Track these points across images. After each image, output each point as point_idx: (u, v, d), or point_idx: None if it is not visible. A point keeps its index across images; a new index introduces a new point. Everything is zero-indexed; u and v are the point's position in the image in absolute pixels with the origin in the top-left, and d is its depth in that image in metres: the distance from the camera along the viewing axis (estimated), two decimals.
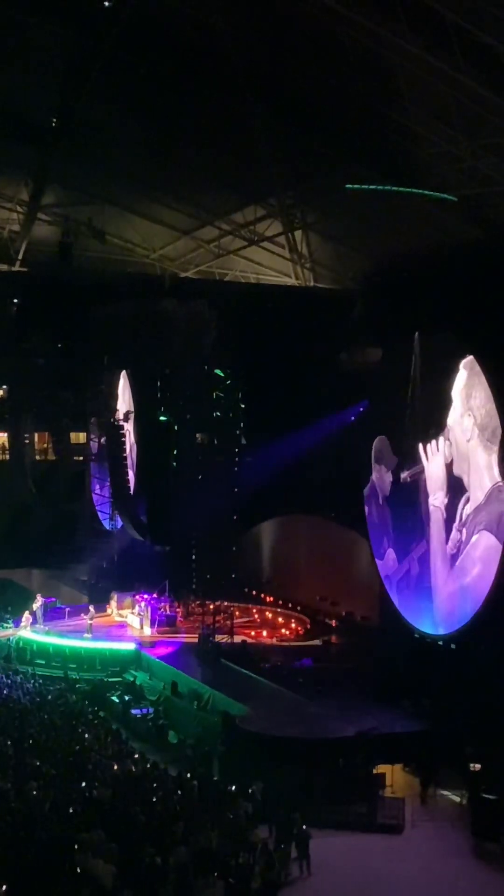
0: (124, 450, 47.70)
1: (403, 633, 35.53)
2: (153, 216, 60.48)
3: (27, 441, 51.59)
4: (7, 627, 46.14)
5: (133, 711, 37.95)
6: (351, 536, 44.00)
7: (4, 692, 38.70)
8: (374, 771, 29.77)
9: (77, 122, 56.12)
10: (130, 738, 34.99)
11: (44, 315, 56.62)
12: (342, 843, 26.28)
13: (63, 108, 55.84)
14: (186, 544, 46.07)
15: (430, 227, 47.47)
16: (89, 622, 44.52)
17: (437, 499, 34.59)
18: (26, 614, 45.58)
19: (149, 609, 44.96)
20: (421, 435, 35.08)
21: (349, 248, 57.54)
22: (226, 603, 43.23)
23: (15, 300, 59.84)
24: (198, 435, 45.23)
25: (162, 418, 44.80)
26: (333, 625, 44.25)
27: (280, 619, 46.29)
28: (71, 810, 25.71)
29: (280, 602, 47.29)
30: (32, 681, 40.61)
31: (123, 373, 52.05)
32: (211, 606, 42.49)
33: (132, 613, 46.05)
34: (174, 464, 44.15)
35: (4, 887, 20.81)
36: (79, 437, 52.45)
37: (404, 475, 36.00)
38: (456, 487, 33.64)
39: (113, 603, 47.73)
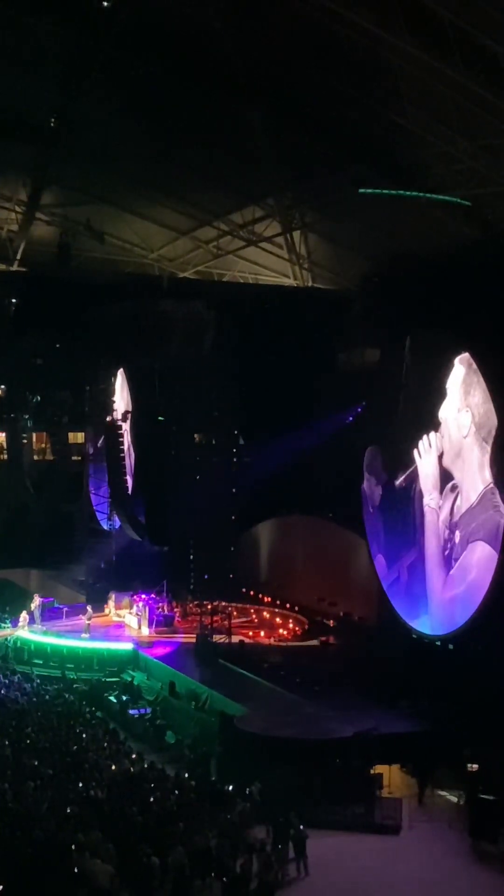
0: (122, 450, 47.69)
1: (401, 633, 35.53)
2: (152, 216, 60.46)
3: (25, 441, 51.60)
4: (5, 627, 46.12)
5: (131, 711, 37.96)
6: (349, 537, 44.02)
7: (2, 692, 38.69)
8: (372, 771, 29.75)
9: (76, 122, 56.16)
10: (128, 738, 34.96)
11: (42, 315, 56.59)
12: (339, 844, 26.28)
13: (62, 108, 55.89)
14: (184, 544, 46.07)
15: (428, 227, 47.50)
16: (87, 622, 44.53)
17: (432, 499, 34.58)
18: (24, 614, 45.58)
19: (147, 609, 44.96)
20: (413, 433, 35.03)
21: (347, 249, 57.54)
22: (223, 603, 43.22)
23: (13, 300, 59.83)
24: (196, 435, 45.23)
25: (160, 418, 44.80)
26: (331, 625, 44.24)
27: (278, 620, 46.29)
28: (68, 811, 25.73)
29: (278, 602, 47.29)
30: (30, 681, 40.58)
31: (121, 373, 52.06)
32: (209, 606, 42.48)
33: (130, 613, 46.05)
34: (172, 464, 44.13)
35: (2, 887, 20.81)
36: (77, 437, 52.47)
37: (399, 481, 35.95)
38: (446, 482, 33.64)
39: (111, 603, 47.73)
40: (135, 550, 50.62)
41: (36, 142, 57.55)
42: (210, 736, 33.61)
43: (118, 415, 49.60)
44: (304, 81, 50.82)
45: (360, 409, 41.45)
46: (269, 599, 47.86)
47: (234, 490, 42.85)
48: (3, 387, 54.52)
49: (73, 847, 23.28)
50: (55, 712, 35.88)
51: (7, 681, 40.53)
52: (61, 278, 58.48)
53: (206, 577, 42.93)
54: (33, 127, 57.01)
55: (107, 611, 47.54)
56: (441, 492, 33.99)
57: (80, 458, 51.44)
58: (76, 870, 22.50)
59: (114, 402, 49.86)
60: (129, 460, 49.27)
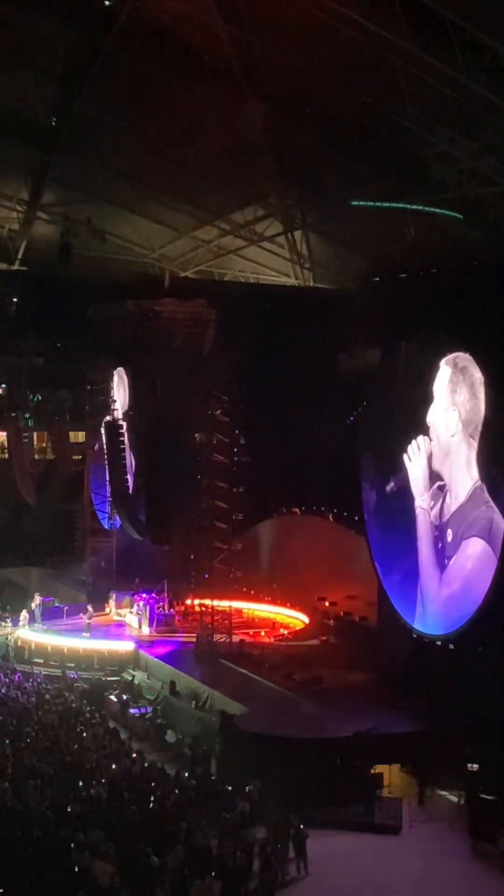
0: (123, 449, 47.70)
1: (402, 633, 35.52)
2: (152, 215, 60.46)
3: (26, 440, 51.63)
4: (5, 626, 46.13)
5: (131, 711, 37.97)
6: (349, 536, 44.01)
7: (2, 691, 38.71)
8: (372, 771, 29.76)
9: (76, 121, 56.19)
10: (129, 737, 34.97)
11: (43, 314, 56.64)
12: (339, 844, 26.30)
13: (63, 106, 55.91)
14: (185, 544, 46.05)
15: (429, 228, 47.49)
16: (88, 621, 44.54)
17: (423, 500, 34.62)
18: (24, 613, 45.59)
19: (147, 608, 44.97)
20: (403, 438, 35.13)
21: (349, 249, 57.55)
22: (224, 602, 43.20)
23: (14, 299, 59.86)
24: (196, 435, 45.19)
25: (161, 418, 44.78)
26: (332, 624, 44.24)
27: (278, 619, 46.30)
28: (69, 809, 25.74)
29: (278, 602, 47.30)
30: (30, 680, 40.60)
31: (122, 372, 52.05)
32: (209, 606, 42.49)
33: (131, 613, 46.06)
34: (173, 463, 44.13)
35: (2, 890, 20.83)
36: (78, 437, 52.45)
37: (390, 486, 35.98)
38: (435, 481, 33.74)
39: (111, 602, 47.74)
40: (135, 550, 50.66)
41: (37, 141, 57.62)
42: (210, 735, 33.64)
43: (119, 414, 49.60)
44: (305, 80, 50.86)
45: (358, 411, 41.34)
46: (270, 599, 47.86)
47: (234, 490, 42.78)
48: (3, 386, 54.52)
49: (73, 846, 23.31)
50: (56, 711, 35.88)
51: (7, 680, 40.55)
52: (62, 277, 58.51)
53: (206, 576, 42.91)
54: (34, 126, 57.10)
55: (107, 610, 47.55)
56: (431, 493, 34.06)
57: (80, 457, 51.41)
58: (76, 869, 22.52)
59: (114, 401, 49.86)
60: (130, 459, 49.28)
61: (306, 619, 45.24)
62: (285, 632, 44.87)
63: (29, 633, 44.36)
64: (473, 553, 32.19)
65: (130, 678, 40.88)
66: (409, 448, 34.86)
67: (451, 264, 33.21)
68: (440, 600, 33.77)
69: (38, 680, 40.64)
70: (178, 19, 50.07)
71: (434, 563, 34.05)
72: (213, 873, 23.47)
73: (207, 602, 42.54)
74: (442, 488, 33.47)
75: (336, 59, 48.28)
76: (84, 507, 50.97)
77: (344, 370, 53.25)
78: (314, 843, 25.41)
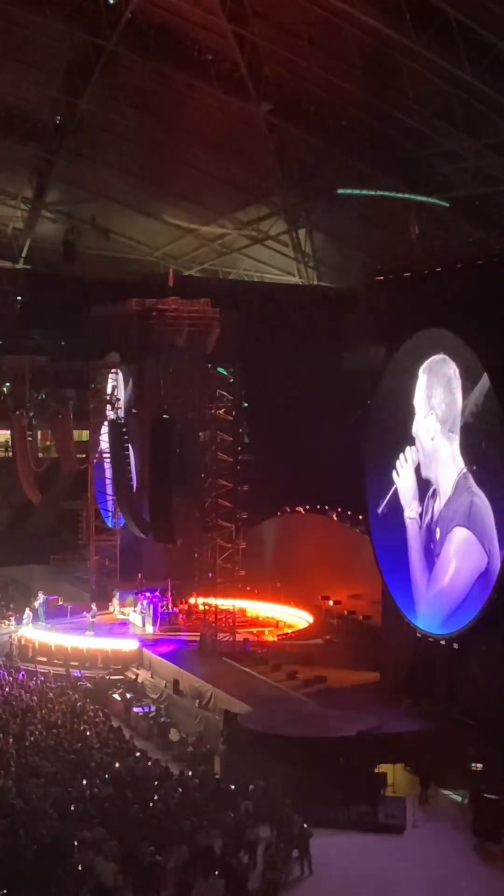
0: (127, 448, 47.67)
1: (405, 632, 35.48)
2: (157, 214, 60.52)
3: (30, 439, 51.61)
4: (9, 625, 46.13)
5: (135, 709, 37.97)
6: (353, 535, 43.98)
7: (6, 690, 38.72)
8: (376, 770, 29.73)
9: (81, 119, 56.24)
10: (132, 736, 34.96)
11: (47, 312, 56.68)
12: (343, 843, 26.26)
13: (67, 105, 55.97)
14: (189, 542, 46.02)
15: (433, 226, 47.50)
16: (91, 620, 44.50)
17: (411, 510, 34.61)
18: (28, 612, 45.59)
19: (151, 607, 44.94)
20: (391, 455, 35.24)
21: (353, 247, 57.56)
22: (228, 601, 43.16)
23: (18, 297, 59.88)
24: (200, 433, 45.14)
25: (164, 416, 44.73)
26: (335, 623, 44.21)
27: (282, 618, 46.25)
28: (72, 808, 25.74)
29: (282, 600, 47.24)
30: (34, 678, 40.61)
31: (126, 370, 52.02)
32: (213, 605, 42.45)
33: (134, 611, 46.03)
34: (177, 462, 44.09)
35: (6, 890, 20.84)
36: (81, 435, 52.42)
37: (381, 509, 35.98)
38: (426, 490, 33.89)
39: (115, 601, 47.71)
40: (139, 548, 50.63)
41: (41, 139, 57.69)
42: (214, 734, 33.63)
43: (122, 412, 49.57)
44: (310, 79, 50.89)
45: (361, 415, 41.26)
46: (274, 597, 47.80)
47: (238, 488, 42.72)
48: (7, 384, 54.52)
49: (76, 845, 23.31)
50: (59, 710, 35.89)
51: (11, 678, 40.56)
52: (66, 275, 58.54)
53: (210, 574, 42.88)
54: (39, 124, 57.15)
55: (111, 608, 47.52)
56: (420, 500, 34.11)
57: (84, 455, 51.38)
58: (80, 867, 22.53)
59: (118, 399, 49.82)
60: (134, 458, 49.24)
61: (310, 618, 45.19)
62: (289, 630, 44.83)
63: (33, 632, 44.35)
64: (457, 543, 32.32)
65: (134, 677, 40.88)
66: (398, 462, 35.02)
67: (455, 263, 33.10)
68: (430, 598, 33.74)
69: (42, 678, 40.63)
70: (183, 18, 50.14)
71: (423, 566, 34.12)
72: (216, 872, 23.43)
73: (211, 601, 42.51)
74: (433, 494, 33.56)
75: (341, 58, 48.35)
76: (88, 506, 50.91)
77: (348, 368, 53.25)
78: (318, 843, 25.38)
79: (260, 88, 51.51)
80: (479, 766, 28.50)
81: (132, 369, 51.59)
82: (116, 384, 51.32)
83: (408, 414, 34.53)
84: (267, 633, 44.55)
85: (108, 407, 49.26)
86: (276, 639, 43.69)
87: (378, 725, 31.19)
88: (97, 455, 51.20)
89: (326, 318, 52.97)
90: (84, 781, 27.97)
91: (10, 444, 53.89)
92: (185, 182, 58.24)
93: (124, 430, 47.88)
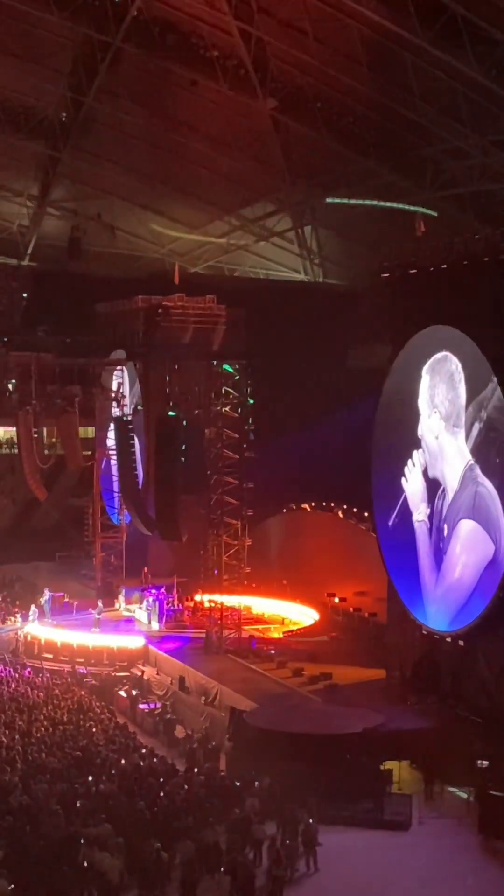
0: (133, 445, 47.67)
1: (411, 629, 35.49)
2: (162, 211, 60.47)
3: (36, 436, 51.61)
4: (15, 622, 46.17)
5: (140, 706, 37.99)
6: (359, 532, 44.00)
7: (13, 686, 38.76)
8: (381, 767, 29.72)
9: (86, 116, 56.22)
10: (138, 732, 34.99)
11: (53, 309, 56.68)
12: (349, 840, 26.25)
13: (72, 102, 55.96)
14: (194, 539, 46.04)
15: (440, 223, 47.44)
16: (97, 616, 44.55)
17: (420, 513, 34.59)
18: (34, 608, 45.62)
19: (157, 604, 44.96)
20: (398, 461, 35.22)
21: (359, 244, 57.51)
22: (234, 598, 43.19)
23: (24, 294, 59.90)
24: (206, 430, 45.17)
25: (171, 413, 44.74)
26: (341, 620, 44.22)
27: (288, 615, 46.26)
28: (78, 805, 25.75)
29: (288, 597, 47.24)
30: (40, 675, 40.65)
31: (132, 367, 52.00)
32: (219, 602, 42.47)
33: (140, 608, 46.06)
34: (182, 459, 44.09)
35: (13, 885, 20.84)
36: (87, 432, 52.42)
37: (392, 520, 35.93)
38: (434, 491, 33.89)
39: (121, 598, 47.75)
40: (145, 545, 50.64)
41: (47, 136, 57.68)
42: (219, 731, 33.64)
43: (128, 410, 49.57)
44: (316, 76, 50.83)
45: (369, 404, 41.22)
46: (279, 595, 47.81)
47: (244, 485, 42.74)
48: (13, 381, 54.56)
49: (82, 841, 23.32)
50: (65, 707, 35.92)
51: (17, 675, 40.60)
52: (72, 273, 58.53)
53: (215, 571, 42.90)
54: (44, 121, 57.14)
55: (117, 605, 47.56)
56: (429, 502, 34.07)
57: (90, 452, 51.37)
58: (85, 864, 22.55)
59: (124, 396, 49.83)
60: (140, 455, 49.24)
61: (316, 616, 45.19)
62: (295, 628, 44.84)
63: (38, 629, 44.39)
64: (463, 535, 32.38)
65: (140, 674, 40.90)
66: (406, 467, 34.99)
67: (462, 260, 33.05)
68: (439, 596, 33.72)
69: (48, 675, 40.66)
70: (188, 15, 50.11)
71: (432, 566, 34.10)
72: (222, 869, 23.47)
73: (217, 598, 42.53)
74: (441, 493, 33.54)
75: (346, 54, 48.30)
76: (93, 503, 50.95)
77: (354, 365, 53.23)
78: (323, 839, 25.38)
79: (265, 85, 51.45)
80: (485, 762, 28.48)
81: (138, 366, 51.59)
82: (122, 381, 51.34)
83: (413, 416, 34.59)
84: (272, 630, 44.57)
85: (114, 404, 49.28)
86: (281, 636, 43.70)
87: (384, 722, 31.21)
88: (103, 452, 51.21)
89: (332, 315, 52.90)
90: (90, 778, 28.00)
91: (15, 440, 53.90)
92: (191, 179, 58.22)
93: (130, 427, 47.89)
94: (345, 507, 46.90)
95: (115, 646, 42.48)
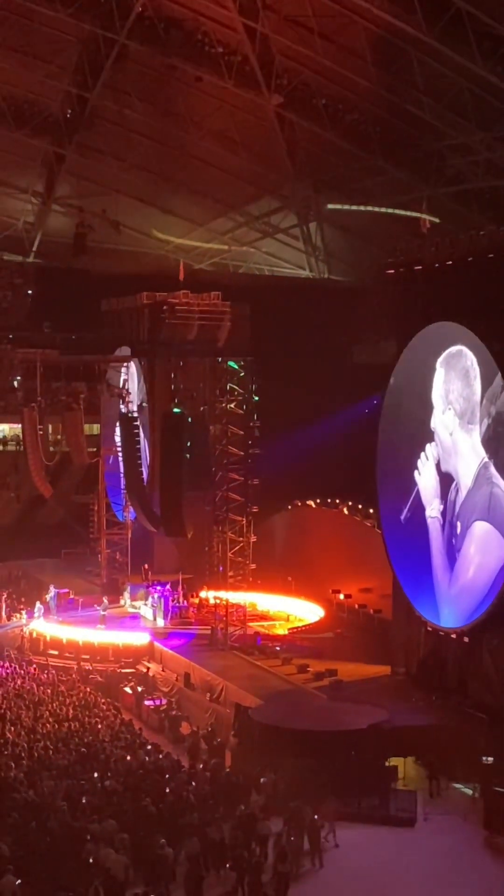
0: (138, 441, 47.69)
1: (416, 625, 35.49)
2: (168, 207, 60.46)
3: (41, 432, 51.65)
4: (21, 618, 46.21)
5: (146, 703, 38.02)
6: (364, 529, 43.98)
7: (18, 683, 38.81)
8: (387, 764, 29.75)
9: (91, 113, 56.23)
10: (143, 729, 35.01)
11: (58, 306, 56.68)
12: (354, 836, 26.26)
13: (77, 99, 55.97)
14: (199, 536, 46.09)
15: (444, 219, 47.37)
16: (102, 613, 44.58)
17: (433, 509, 34.53)
18: (39, 605, 45.66)
19: (162, 601, 44.97)
20: (411, 454, 35.15)
21: (364, 240, 57.45)
22: (239, 594, 43.21)
23: (29, 291, 59.92)
24: (211, 427, 45.19)
25: (175, 410, 44.75)
26: (346, 617, 44.22)
27: (293, 612, 46.26)
28: (84, 801, 25.80)
29: (293, 594, 47.26)
30: (46, 672, 40.70)
31: (136, 364, 52.01)
32: (224, 598, 42.49)
33: (145, 605, 46.08)
34: (188, 455, 44.12)
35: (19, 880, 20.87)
36: (92, 429, 52.45)
37: (405, 514, 35.87)
38: (447, 486, 33.80)
39: (126, 594, 47.78)
40: (150, 542, 50.67)
41: (52, 133, 57.68)
42: (225, 727, 33.66)
43: (133, 406, 49.57)
44: (321, 72, 50.79)
45: (375, 401, 41.19)
46: (285, 591, 47.84)
47: (249, 482, 42.76)
48: (18, 378, 54.62)
49: (87, 837, 23.37)
50: (71, 703, 35.97)
51: (23, 671, 40.65)
52: (77, 269, 58.53)
53: (220, 568, 42.92)
54: (49, 118, 57.14)
55: (122, 602, 47.59)
56: (442, 498, 34.00)
57: (95, 449, 51.39)
58: (91, 860, 22.59)
59: (129, 393, 49.83)
60: (145, 452, 49.25)
61: (321, 612, 45.19)
62: (300, 624, 44.84)
63: (44, 625, 44.44)
64: (477, 538, 32.27)
65: (145, 670, 40.93)
66: (419, 461, 34.90)
67: (467, 256, 33.03)
68: (452, 597, 33.66)
69: (54, 672, 40.71)
70: (193, 11, 50.10)
71: (445, 565, 34.03)
72: (227, 865, 23.51)
73: (222, 594, 42.55)
74: (455, 488, 33.45)
75: (351, 50, 48.27)
76: (99, 500, 50.98)
77: (359, 362, 53.19)
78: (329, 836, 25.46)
79: (270, 81, 51.43)
80: (490, 759, 28.50)
81: (143, 363, 51.60)
82: (127, 378, 51.34)
83: (425, 409, 34.40)
84: (278, 626, 44.59)
85: (119, 401, 49.29)
86: (286, 632, 43.71)
87: (389, 719, 31.20)
88: (108, 449, 51.24)
89: (337, 312, 52.84)
90: (95, 774, 28.05)
91: (21, 437, 53.93)
92: (196, 175, 58.20)
93: (135, 423, 47.90)
94: (350, 503, 46.89)
95: (120, 642, 42.52)
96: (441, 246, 34.65)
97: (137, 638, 42.81)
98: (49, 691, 37.63)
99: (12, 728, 32.59)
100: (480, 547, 32.21)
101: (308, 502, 50.22)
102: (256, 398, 44.41)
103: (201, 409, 46.38)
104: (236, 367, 44.07)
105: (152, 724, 36.44)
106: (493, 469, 31.60)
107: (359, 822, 27.32)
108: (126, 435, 48.00)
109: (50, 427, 54.08)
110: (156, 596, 45.55)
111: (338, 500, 48.11)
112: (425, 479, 34.83)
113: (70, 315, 55.67)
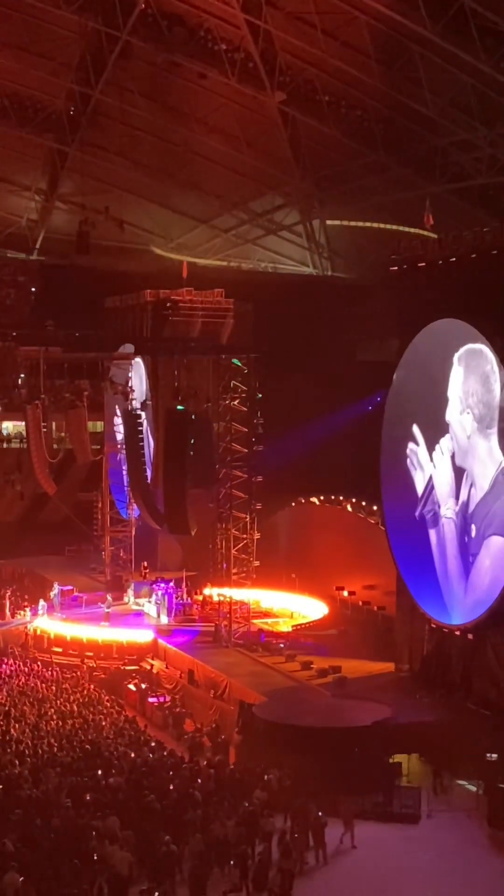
0: (141, 439, 47.69)
1: (420, 622, 35.48)
2: (171, 204, 60.42)
3: (45, 430, 51.66)
4: (25, 616, 46.24)
5: (150, 699, 38.05)
6: (368, 526, 43.96)
7: (23, 680, 38.85)
8: (391, 760, 29.73)
9: (94, 110, 56.22)
10: (147, 726, 35.04)
11: (61, 303, 56.65)
12: (358, 832, 26.23)
13: (80, 96, 55.95)
14: (203, 533, 46.10)
15: (448, 216, 47.31)
16: (106, 610, 44.61)
17: (448, 508, 34.33)
18: (43, 602, 45.70)
19: (166, 598, 44.98)
20: (416, 447, 35.08)
21: (367, 238, 57.41)
22: (242, 591, 43.22)
23: (33, 288, 59.91)
24: (215, 424, 45.20)
25: (179, 407, 44.76)
26: (350, 614, 44.21)
27: (297, 609, 46.26)
28: (88, 798, 25.82)
29: (297, 591, 47.27)
30: (50, 669, 40.73)
31: (140, 361, 52.01)
32: (228, 595, 42.50)
33: (149, 602, 46.10)
34: (191, 453, 44.13)
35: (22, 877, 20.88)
36: (96, 426, 52.46)
37: (418, 511, 35.76)
38: (460, 483, 33.66)
39: (130, 591, 47.80)
40: (154, 539, 50.67)
41: (55, 130, 57.66)
42: (229, 724, 33.67)
43: (137, 404, 49.57)
44: (324, 69, 50.75)
45: (378, 398, 41.17)
46: (288, 588, 47.84)
47: (253, 479, 42.77)
48: (22, 375, 54.64)
49: (92, 834, 23.38)
50: (75, 700, 35.99)
51: (27, 669, 40.68)
52: (80, 267, 58.51)
53: (224, 565, 42.94)
54: (52, 115, 57.13)
55: (126, 599, 47.61)
56: (456, 495, 33.86)
57: (99, 446, 51.42)
58: (95, 856, 22.60)
59: (132, 390, 49.83)
60: (149, 449, 49.26)
61: (325, 609, 45.19)
62: (304, 621, 44.83)
63: (48, 623, 44.47)
64: (494, 552, 31.99)
65: (149, 667, 40.95)
66: (434, 454, 34.70)
67: (470, 253, 32.99)
68: (469, 606, 33.43)
69: (58, 669, 40.74)
70: (196, 8, 50.07)
71: (460, 571, 33.73)
72: (231, 862, 23.51)
73: (226, 591, 42.56)
74: (469, 480, 33.24)
75: (355, 47, 48.22)
76: (103, 497, 51.01)
77: (362, 359, 53.16)
78: (333, 832, 25.43)
79: (274, 78, 51.39)
80: (494, 755, 28.48)
81: (146, 360, 51.60)
82: (131, 375, 51.35)
83: (438, 403, 34.11)
84: (281, 623, 44.58)
85: (123, 398, 49.28)
86: (290, 629, 43.71)
87: (393, 715, 31.22)
88: (111, 446, 51.25)
89: (340, 309, 52.85)
90: (99, 771, 28.08)
91: (24, 435, 53.95)
92: (199, 172, 58.17)
93: (139, 421, 47.89)
94: (353, 500, 46.86)
95: (124, 640, 42.56)
96: (444, 243, 34.61)
97: (141, 635, 42.86)
98: (53, 688, 37.67)
99: (17, 725, 32.64)
100: (496, 562, 31.89)
101: (312, 499, 50.20)
102: (260, 395, 44.38)
103: (205, 406, 46.37)
104: (240, 364, 44.05)
105: (156, 721, 36.47)
106: None
107: (363, 819, 27.32)
108: (130, 432, 47.99)
109: (53, 424, 54.07)
110: (159, 593, 45.57)
111: (341, 497, 48.08)
112: (440, 475, 34.60)
113: (73, 312, 55.62)
